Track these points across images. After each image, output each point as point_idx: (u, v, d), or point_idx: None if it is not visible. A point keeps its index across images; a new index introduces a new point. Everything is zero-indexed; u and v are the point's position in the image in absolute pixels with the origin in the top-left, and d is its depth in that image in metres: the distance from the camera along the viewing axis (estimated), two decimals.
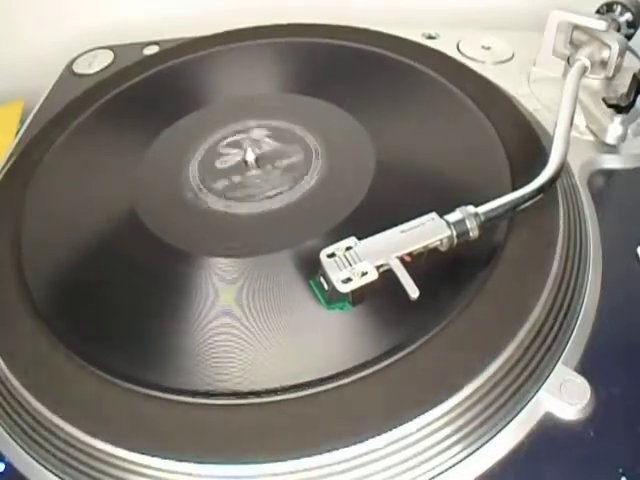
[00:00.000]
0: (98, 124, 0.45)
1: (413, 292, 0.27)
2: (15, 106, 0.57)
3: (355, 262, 0.29)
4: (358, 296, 0.29)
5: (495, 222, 0.31)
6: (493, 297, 0.30)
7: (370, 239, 0.30)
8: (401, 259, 0.29)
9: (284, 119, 0.42)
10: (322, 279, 0.30)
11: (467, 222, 0.30)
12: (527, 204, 0.31)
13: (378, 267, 0.29)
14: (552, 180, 0.32)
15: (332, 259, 0.29)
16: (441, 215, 0.30)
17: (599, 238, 0.34)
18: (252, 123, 0.42)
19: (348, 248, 0.29)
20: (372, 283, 0.28)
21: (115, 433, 0.27)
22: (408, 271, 0.28)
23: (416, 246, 0.29)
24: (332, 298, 0.29)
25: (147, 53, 0.53)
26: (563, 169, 0.33)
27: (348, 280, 0.28)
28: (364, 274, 0.28)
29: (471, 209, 0.30)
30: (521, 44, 0.48)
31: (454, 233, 0.30)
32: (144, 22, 0.60)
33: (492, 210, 0.31)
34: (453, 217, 0.30)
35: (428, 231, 0.30)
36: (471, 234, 0.30)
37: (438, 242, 0.30)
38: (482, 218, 0.30)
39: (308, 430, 0.26)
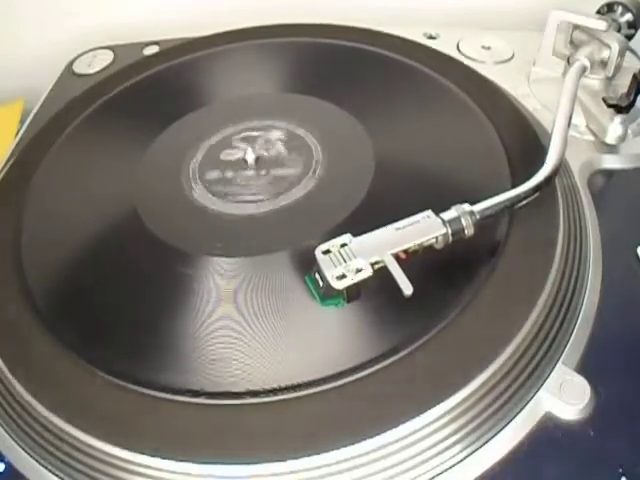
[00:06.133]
0: (98, 124, 0.45)
1: (407, 289, 0.27)
2: (15, 106, 0.57)
3: (350, 259, 0.29)
4: (353, 293, 0.29)
5: (491, 220, 0.31)
6: (493, 297, 0.30)
7: (365, 236, 0.30)
8: (396, 256, 0.29)
9: (284, 119, 0.42)
10: (317, 275, 0.30)
11: (462, 220, 0.30)
12: (524, 202, 0.31)
13: (373, 264, 0.29)
14: (549, 179, 0.32)
15: (327, 256, 0.29)
16: (438, 213, 0.30)
17: (599, 238, 0.34)
18: (252, 123, 0.42)
19: (343, 245, 0.30)
20: (367, 280, 0.28)
21: (115, 433, 0.27)
22: (405, 269, 0.28)
23: (411, 243, 0.29)
24: (327, 294, 0.29)
25: (147, 53, 0.53)
26: (560, 168, 0.33)
27: (343, 277, 0.28)
28: (359, 271, 0.28)
29: (467, 207, 0.30)
30: (521, 44, 0.48)
31: (449, 231, 0.30)
32: (144, 22, 0.60)
33: (488, 208, 0.31)
34: (448, 215, 0.30)
35: (423, 228, 0.30)
36: (466, 232, 0.30)
37: (433, 240, 0.30)
38: (477, 216, 0.30)
39: (307, 430, 0.26)
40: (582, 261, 0.33)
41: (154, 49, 0.54)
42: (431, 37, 0.50)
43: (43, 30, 0.62)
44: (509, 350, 0.28)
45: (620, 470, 0.26)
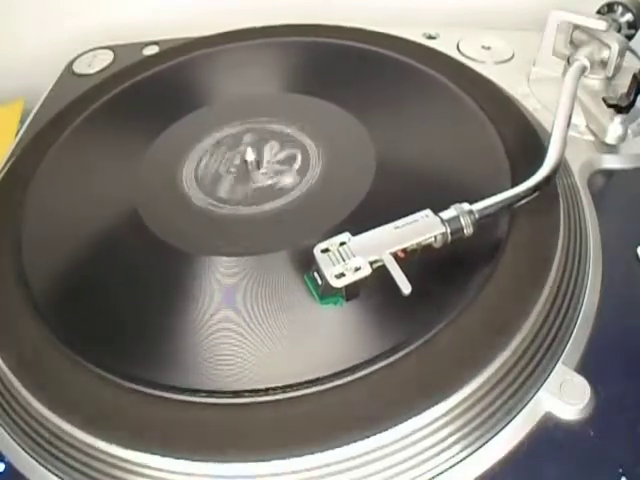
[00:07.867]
0: (98, 124, 0.45)
1: (405, 288, 0.27)
2: (15, 106, 0.57)
3: (349, 257, 0.29)
4: (352, 291, 0.29)
5: (491, 220, 0.31)
6: (493, 297, 0.30)
7: (364, 235, 0.30)
8: (395, 255, 0.29)
9: (285, 119, 0.42)
10: (316, 274, 0.30)
11: (461, 219, 0.30)
12: (523, 202, 0.31)
13: (371, 263, 0.29)
14: (548, 178, 0.32)
15: (326, 254, 0.29)
16: (437, 212, 0.30)
17: (599, 238, 0.34)
18: (252, 123, 0.42)
19: (342, 244, 0.30)
20: (366, 279, 0.28)
21: (115, 432, 0.27)
22: (404, 268, 0.28)
23: (409, 242, 0.29)
24: (326, 293, 0.29)
25: (147, 53, 0.53)
26: (559, 167, 0.33)
27: (341, 275, 0.28)
28: (357, 269, 0.28)
29: (466, 206, 0.30)
30: (521, 44, 0.48)
31: (448, 230, 0.30)
32: (144, 22, 0.60)
33: (487, 207, 0.31)
34: (447, 214, 0.30)
35: (422, 227, 0.30)
36: (465, 231, 0.30)
37: (432, 239, 0.30)
38: (476, 215, 0.30)
39: (308, 429, 0.26)
40: (582, 261, 0.33)
41: (154, 49, 0.54)
42: (431, 37, 0.50)
43: (43, 30, 0.62)
44: (509, 350, 0.28)
45: (620, 470, 0.26)
